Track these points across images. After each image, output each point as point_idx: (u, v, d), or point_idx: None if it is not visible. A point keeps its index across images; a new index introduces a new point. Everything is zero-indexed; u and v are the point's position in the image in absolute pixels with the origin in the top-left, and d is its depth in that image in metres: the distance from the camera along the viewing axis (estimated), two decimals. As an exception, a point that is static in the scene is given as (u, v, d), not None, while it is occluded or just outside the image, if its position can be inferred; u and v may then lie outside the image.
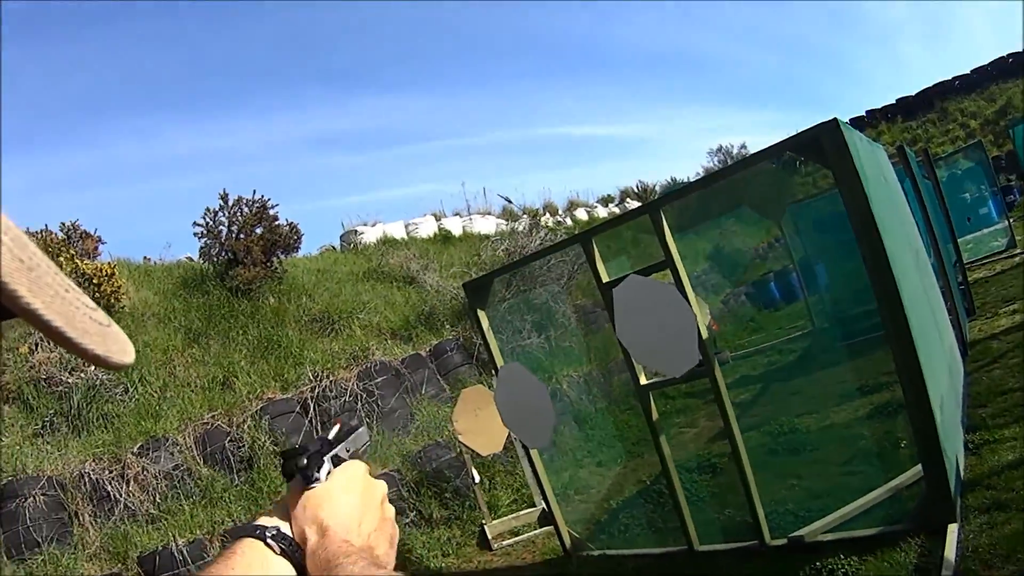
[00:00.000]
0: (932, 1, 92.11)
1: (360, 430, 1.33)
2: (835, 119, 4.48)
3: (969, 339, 10.16)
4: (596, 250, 5.80)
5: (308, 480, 1.16)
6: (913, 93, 40.01)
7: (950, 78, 39.19)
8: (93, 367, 10.66)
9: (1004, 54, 38.72)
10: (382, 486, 1.24)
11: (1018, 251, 17.25)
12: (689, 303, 5.06)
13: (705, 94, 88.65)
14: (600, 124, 77.20)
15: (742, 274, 22.14)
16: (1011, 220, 19.98)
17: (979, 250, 19.16)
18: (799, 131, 4.61)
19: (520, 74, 78.25)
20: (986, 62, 38.78)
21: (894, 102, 40.50)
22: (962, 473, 5.75)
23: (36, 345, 11.23)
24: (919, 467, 5.08)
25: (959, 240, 16.42)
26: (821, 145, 4.45)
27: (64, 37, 39.70)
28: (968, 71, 39.04)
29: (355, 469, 1.21)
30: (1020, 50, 38.06)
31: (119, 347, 0.61)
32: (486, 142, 66.06)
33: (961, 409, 7.09)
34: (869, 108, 41.17)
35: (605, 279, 5.68)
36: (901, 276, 4.62)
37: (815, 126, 4.51)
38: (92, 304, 0.60)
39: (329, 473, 1.18)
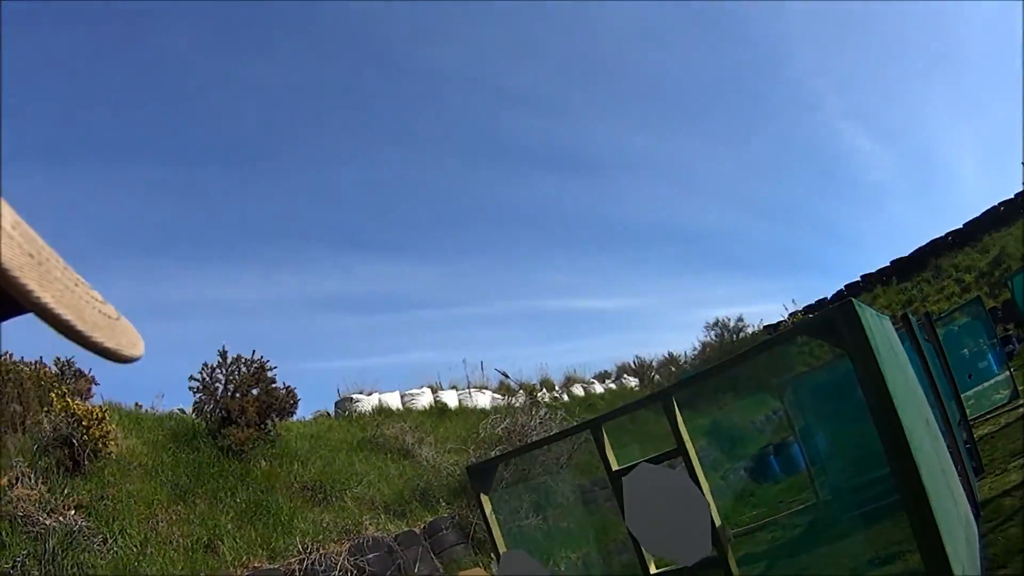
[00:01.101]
0: (919, 158, 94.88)
1: None
2: (849, 300, 4.41)
3: (980, 498, 9.87)
4: (605, 436, 5.64)
5: None
6: (907, 253, 40.84)
7: (943, 234, 40.07)
8: (73, 511, 10.63)
9: (996, 203, 39.58)
10: None
11: (1021, 402, 17.17)
12: (702, 491, 4.89)
13: (699, 264, 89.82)
14: (595, 296, 77.99)
15: (741, 449, 21.96)
16: (1012, 371, 19.93)
17: (982, 405, 19.05)
18: (812, 315, 4.53)
19: (521, 243, 79.54)
20: (978, 213, 39.57)
21: (888, 264, 41.29)
22: None
23: (16, 479, 10.86)
24: None
25: (962, 396, 16.30)
26: (836, 326, 4.36)
27: (73, 172, 40.26)
28: (960, 225, 39.82)
29: None
30: (1011, 197, 38.99)
31: (128, 340, 0.60)
32: (483, 312, 66.54)
33: (980, 573, 6.78)
34: (864, 272, 41.98)
35: (615, 467, 5.51)
36: (918, 448, 4.50)
37: (830, 308, 4.44)
38: (101, 298, 0.60)
39: None
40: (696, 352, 37.84)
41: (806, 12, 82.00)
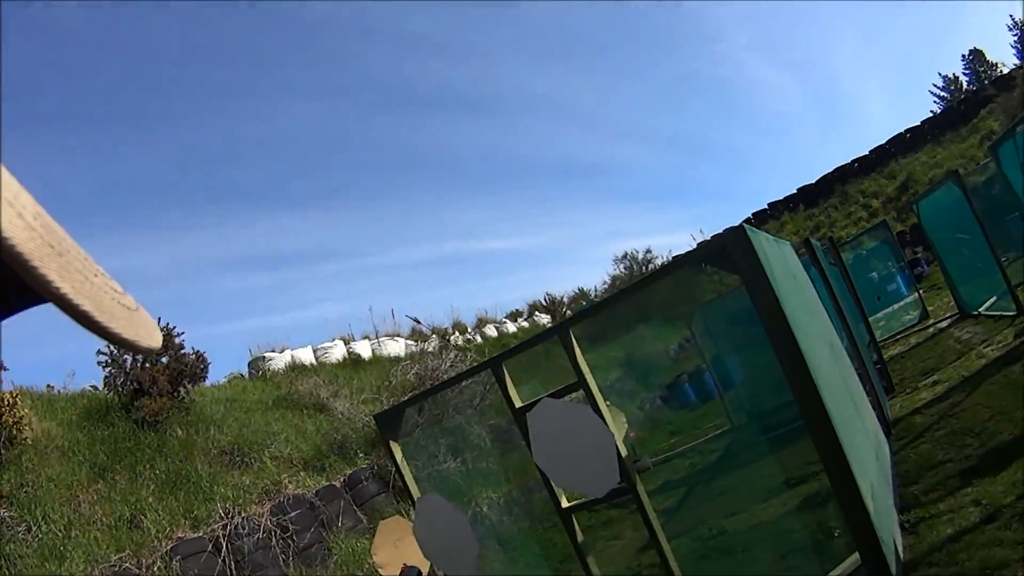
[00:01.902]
0: (825, 87, 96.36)
1: None
2: (741, 225, 4.39)
3: (891, 417, 10.17)
4: (507, 375, 5.62)
5: None
6: (813, 181, 41.36)
7: (849, 161, 40.66)
8: None
9: (902, 130, 40.29)
10: None
11: (931, 322, 17.59)
12: (605, 423, 4.89)
13: (607, 198, 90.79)
14: (503, 237, 78.30)
15: (656, 378, 22.22)
16: (921, 292, 20.42)
17: (892, 326, 19.63)
18: (706, 240, 4.52)
19: (423, 187, 79.14)
20: (884, 140, 40.26)
21: (795, 191, 41.83)
22: (902, 555, 5.64)
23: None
24: (856, 556, 4.91)
25: (871, 319, 16.64)
26: (728, 252, 4.34)
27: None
28: (867, 151, 40.44)
29: None
30: (918, 124, 39.76)
31: (147, 331, 0.60)
32: (392, 259, 66.39)
33: (892, 489, 7.00)
34: (771, 200, 42.45)
35: (518, 404, 5.49)
36: (817, 370, 4.54)
37: (721, 234, 4.43)
38: (120, 289, 0.61)
39: None
40: (606, 285, 38.31)
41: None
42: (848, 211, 37.15)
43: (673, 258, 36.23)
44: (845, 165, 40.53)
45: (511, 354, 5.98)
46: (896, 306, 21.95)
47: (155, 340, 0.62)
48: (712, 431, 15.93)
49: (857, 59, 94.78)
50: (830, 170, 40.95)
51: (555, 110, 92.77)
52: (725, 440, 14.78)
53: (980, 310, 15.31)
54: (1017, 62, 47.99)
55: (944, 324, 16.52)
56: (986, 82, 49.04)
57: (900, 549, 5.68)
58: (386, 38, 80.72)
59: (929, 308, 19.12)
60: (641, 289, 5.63)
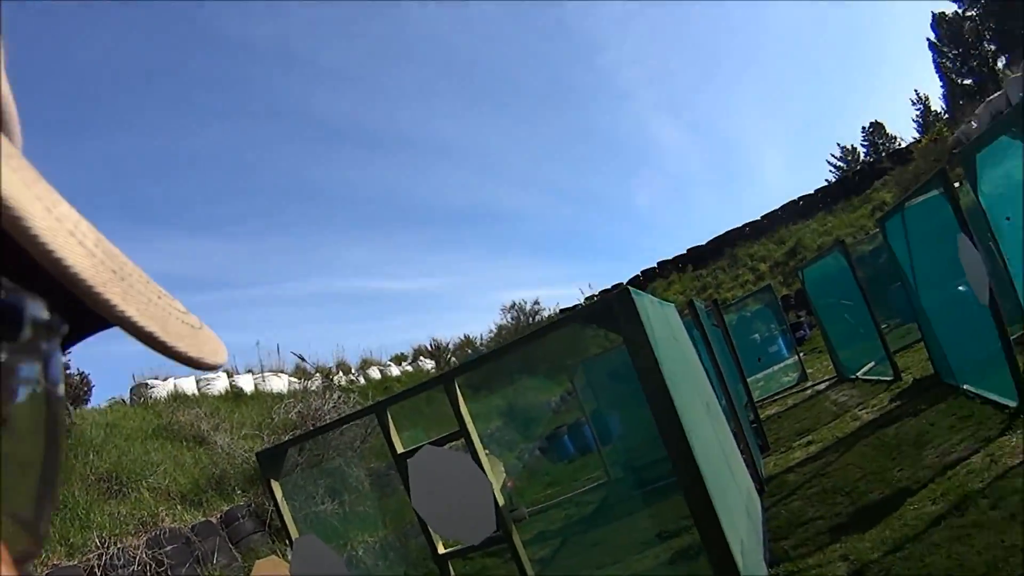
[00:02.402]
0: (724, 151, 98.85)
1: None
2: (626, 288, 4.51)
3: (765, 475, 10.40)
4: (390, 420, 5.63)
5: None
6: (704, 242, 42.17)
7: (740, 225, 41.56)
8: None
9: (795, 197, 41.43)
10: None
11: (809, 384, 18.05)
12: (484, 472, 4.94)
13: (501, 247, 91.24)
14: (394, 278, 77.89)
15: (536, 429, 22.31)
16: (801, 355, 20.96)
17: (772, 387, 20.05)
18: (593, 298, 4.63)
19: (321, 221, 78.44)
20: (777, 207, 41.36)
21: (685, 252, 42.57)
22: None
23: None
24: None
25: (752, 379, 17.03)
26: (614, 313, 4.46)
27: None
28: (759, 217, 41.44)
29: None
30: (811, 193, 40.97)
31: (211, 348, 0.61)
32: (282, 292, 65.35)
33: (763, 545, 7.13)
34: (661, 259, 43.16)
35: (400, 450, 5.49)
36: (691, 429, 4.64)
37: (607, 296, 4.52)
38: (183, 308, 0.61)
39: None
40: (492, 335, 38.18)
41: (625, 8, 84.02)
42: (736, 273, 38.02)
43: (560, 311, 36.47)
44: (736, 228, 41.53)
45: (395, 400, 5.99)
46: (776, 367, 22.47)
47: (220, 356, 0.63)
48: (589, 483, 15.99)
49: (758, 125, 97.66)
50: (721, 232, 42.00)
51: (458, 154, 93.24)
52: (601, 492, 14.83)
53: (858, 374, 15.81)
54: (917, 136, 49.78)
55: (822, 387, 17.01)
56: (883, 154, 50.93)
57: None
58: (302, 66, 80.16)
59: (808, 371, 19.60)
60: (527, 344, 5.71)
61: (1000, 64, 53.03)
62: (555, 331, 5.39)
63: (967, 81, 58.56)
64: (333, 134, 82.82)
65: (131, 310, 0.52)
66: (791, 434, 12.87)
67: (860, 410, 12.48)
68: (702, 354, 9.75)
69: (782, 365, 22.26)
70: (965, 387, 10.50)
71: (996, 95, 31.83)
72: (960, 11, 58.78)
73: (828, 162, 66.37)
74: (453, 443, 5.36)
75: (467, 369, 6.13)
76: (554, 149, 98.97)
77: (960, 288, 9.25)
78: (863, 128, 66.85)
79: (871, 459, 9.31)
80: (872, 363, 15.50)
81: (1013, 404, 8.86)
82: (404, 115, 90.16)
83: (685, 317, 10.05)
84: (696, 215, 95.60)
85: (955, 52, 60.01)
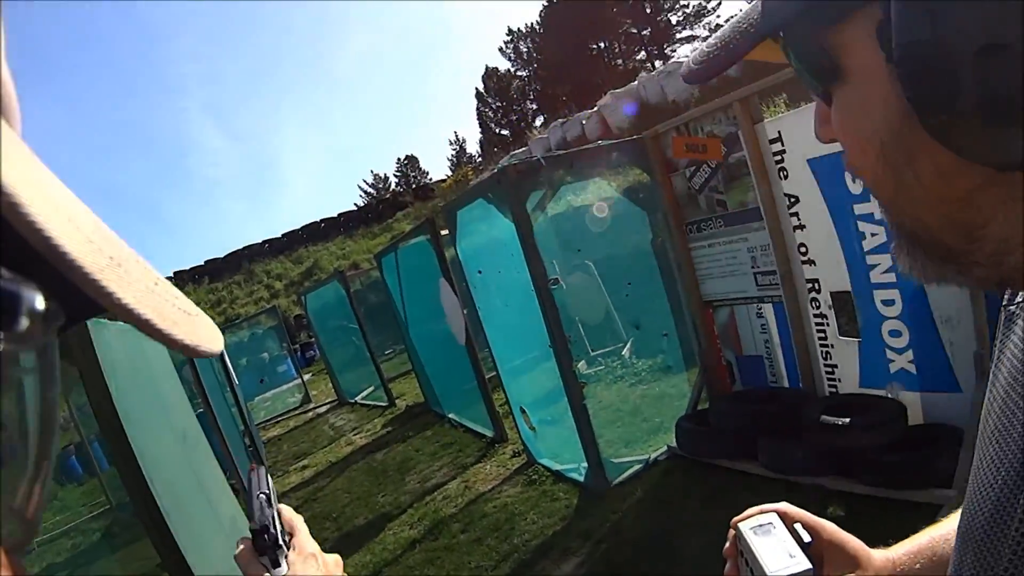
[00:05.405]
0: (261, 165, 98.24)
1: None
2: (83, 322, 4.28)
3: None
4: None
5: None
6: (222, 255, 41.53)
7: (260, 241, 41.50)
8: None
9: (319, 219, 41.99)
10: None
11: (312, 406, 18.35)
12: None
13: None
14: None
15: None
16: (305, 377, 21.27)
17: (277, 407, 20.12)
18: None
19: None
20: (299, 226, 41.69)
21: (203, 263, 41.73)
22: None
23: None
24: None
25: (259, 399, 16.98)
26: (70, 345, 4.24)
27: None
28: (280, 235, 41.55)
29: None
30: (334, 216, 41.69)
31: (207, 335, 0.58)
32: None
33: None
34: (177, 269, 41.94)
35: None
36: (154, 466, 4.53)
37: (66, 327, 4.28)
38: (179, 294, 0.59)
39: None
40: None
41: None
42: (251, 289, 37.95)
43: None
44: (256, 244, 41.48)
45: None
46: (282, 388, 22.63)
47: (217, 344, 0.58)
48: (96, 509, 15.01)
49: (297, 144, 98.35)
50: (240, 247, 41.66)
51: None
52: (106, 519, 13.97)
53: (357, 399, 16.37)
54: (449, 174, 52.63)
55: (323, 409, 17.46)
56: (413, 187, 53.47)
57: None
58: None
59: (313, 392, 20.01)
60: None
61: (537, 123, 57.76)
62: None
63: (504, 132, 63.38)
64: None
65: (128, 297, 0.48)
66: (289, 457, 13.05)
67: (355, 435, 12.92)
68: (186, 380, 9.45)
69: (288, 386, 22.44)
70: (450, 416, 11.22)
71: (521, 149, 34.65)
72: (512, 69, 63.58)
73: (360, 187, 68.49)
74: None
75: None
76: (86, 139, 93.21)
77: (444, 326, 9.87)
78: (398, 159, 69.86)
79: (359, 484, 9.68)
80: (371, 388, 16.14)
81: (490, 434, 9.60)
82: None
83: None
84: (221, 226, 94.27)
85: (498, 104, 64.83)
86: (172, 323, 0.54)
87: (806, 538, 1.12)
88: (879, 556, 1.14)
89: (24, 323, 0.41)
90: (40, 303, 0.42)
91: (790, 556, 1.09)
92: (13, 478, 0.44)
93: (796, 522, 1.14)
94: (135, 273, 0.53)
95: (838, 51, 0.59)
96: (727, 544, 1.21)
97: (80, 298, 0.48)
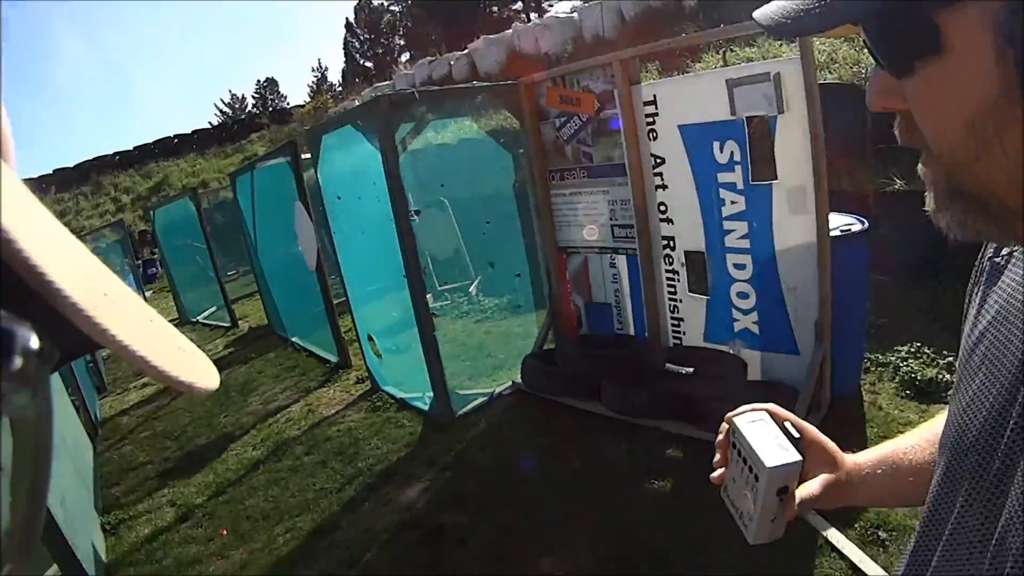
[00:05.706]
0: (122, 73, 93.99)
1: None
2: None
3: (101, 417, 10.19)
4: None
5: None
6: (71, 165, 39.98)
7: (111, 153, 39.94)
8: None
9: (171, 135, 40.67)
10: None
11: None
12: None
13: None
14: None
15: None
16: (148, 293, 20.88)
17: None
18: None
19: None
20: (151, 140, 40.31)
21: (51, 172, 40.13)
22: (104, 557, 5.71)
23: None
24: (56, 567, 4.86)
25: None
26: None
27: None
28: (131, 148, 40.13)
29: None
30: (188, 133, 40.42)
31: (203, 372, 0.56)
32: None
33: (93, 492, 6.93)
34: (24, 177, 40.35)
35: None
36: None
37: None
38: (175, 331, 0.58)
39: None
40: None
41: None
42: (97, 202, 36.40)
43: None
44: (106, 156, 39.97)
45: None
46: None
47: (212, 381, 0.56)
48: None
49: (159, 57, 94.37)
50: (90, 157, 40.05)
51: None
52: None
53: (199, 318, 16.13)
54: (307, 100, 51.47)
55: (162, 327, 16.98)
56: (269, 110, 52.10)
57: (102, 552, 5.71)
58: None
59: (156, 310, 19.37)
60: None
61: (403, 59, 56.77)
62: None
63: (368, 64, 62.16)
64: None
65: (123, 333, 0.48)
66: (129, 375, 12.75)
67: (198, 354, 12.69)
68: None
69: (135, 304, 21.74)
70: (294, 340, 11.21)
71: (385, 83, 34.06)
72: (385, 3, 62.23)
73: (216, 106, 66.42)
74: None
75: None
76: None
77: (295, 250, 9.80)
78: (258, 81, 67.88)
79: (200, 404, 9.55)
80: (213, 308, 15.98)
81: (334, 359, 9.66)
82: None
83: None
84: (74, 136, 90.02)
85: (366, 36, 63.42)
86: (167, 359, 0.55)
87: (795, 434, 1.30)
88: (849, 459, 1.31)
89: (18, 362, 0.42)
90: (35, 342, 0.43)
91: (783, 449, 1.26)
92: (10, 509, 0.44)
93: (785, 420, 1.32)
94: (130, 310, 0.55)
95: (944, 28, 0.65)
96: (719, 436, 1.38)
97: (75, 335, 0.49)
